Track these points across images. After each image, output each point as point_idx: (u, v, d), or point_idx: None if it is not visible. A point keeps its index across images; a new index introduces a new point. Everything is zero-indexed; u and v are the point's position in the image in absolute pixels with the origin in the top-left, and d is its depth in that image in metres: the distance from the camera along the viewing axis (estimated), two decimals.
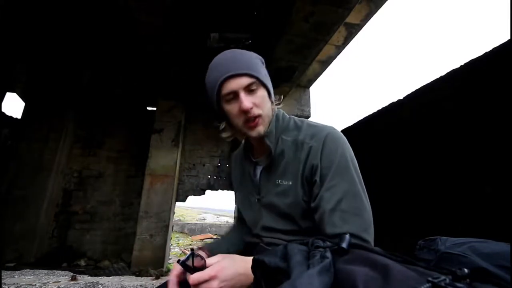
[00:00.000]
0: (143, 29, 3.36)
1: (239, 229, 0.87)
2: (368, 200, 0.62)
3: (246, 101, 0.62)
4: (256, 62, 0.66)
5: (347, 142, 0.66)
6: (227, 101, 0.65)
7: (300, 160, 0.65)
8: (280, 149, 0.69)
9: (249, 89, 0.63)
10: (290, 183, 0.66)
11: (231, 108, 0.65)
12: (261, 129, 0.66)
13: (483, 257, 0.44)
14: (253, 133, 0.66)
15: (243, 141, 0.83)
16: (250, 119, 0.64)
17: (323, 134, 0.65)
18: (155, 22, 3.22)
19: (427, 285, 0.29)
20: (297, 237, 0.67)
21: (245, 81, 0.62)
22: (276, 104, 0.73)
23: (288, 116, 0.75)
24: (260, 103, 0.64)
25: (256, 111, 0.64)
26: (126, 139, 5.27)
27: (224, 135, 0.76)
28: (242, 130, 0.68)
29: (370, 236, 0.58)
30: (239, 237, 0.84)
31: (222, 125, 0.74)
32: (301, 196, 0.64)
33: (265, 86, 0.66)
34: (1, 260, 3.70)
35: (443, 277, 0.30)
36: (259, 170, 0.75)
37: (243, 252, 0.72)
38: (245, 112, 0.63)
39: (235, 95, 0.63)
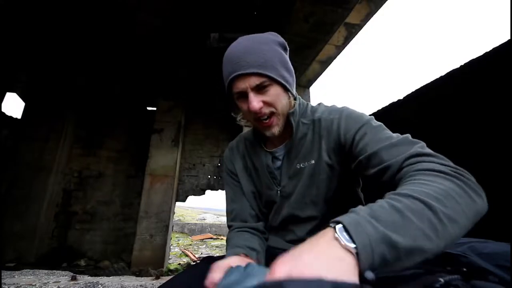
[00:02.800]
0: (143, 29, 3.37)
1: (250, 231, 0.72)
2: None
3: (255, 101, 0.59)
4: (272, 53, 0.61)
5: None
6: (237, 98, 0.63)
7: (321, 135, 0.63)
8: (302, 133, 0.67)
9: (259, 88, 0.59)
10: (313, 161, 0.64)
11: (242, 105, 0.63)
12: (275, 130, 0.63)
13: (483, 257, 0.44)
14: (267, 133, 0.64)
15: (244, 131, 0.79)
16: (262, 118, 0.62)
17: (340, 108, 0.66)
18: (155, 22, 3.23)
19: (441, 282, 0.28)
20: (315, 223, 0.67)
21: (254, 80, 0.58)
22: (294, 96, 0.69)
23: (305, 101, 0.74)
24: (272, 101, 0.60)
25: (266, 110, 0.61)
26: (126, 139, 5.27)
27: (242, 122, 0.74)
28: (255, 125, 0.66)
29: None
30: (258, 241, 0.69)
31: (239, 116, 0.72)
32: (326, 172, 0.63)
33: (279, 83, 0.61)
34: (1, 260, 3.70)
35: (455, 276, 0.29)
36: (278, 160, 0.71)
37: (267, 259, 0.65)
38: (253, 113, 0.60)
39: (244, 94, 0.60)
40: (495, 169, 1.08)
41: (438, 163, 0.47)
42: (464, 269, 0.35)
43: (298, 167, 0.66)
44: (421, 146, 0.51)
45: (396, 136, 0.56)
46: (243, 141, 0.80)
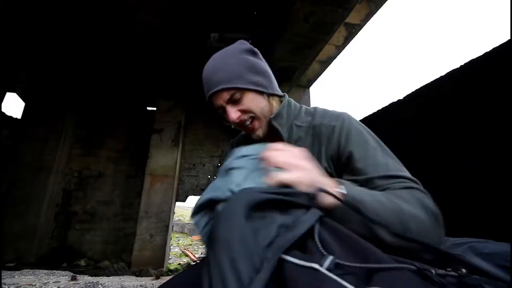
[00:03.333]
0: (143, 29, 3.37)
1: None
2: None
3: (232, 113, 0.64)
4: (237, 64, 0.64)
5: None
6: (221, 113, 0.68)
7: (321, 142, 0.63)
8: (297, 135, 0.67)
9: (232, 100, 0.64)
10: None
11: (226, 117, 0.67)
12: (259, 132, 0.67)
13: (483, 257, 0.44)
14: (253, 136, 0.68)
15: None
16: (244, 125, 0.66)
17: (342, 116, 0.65)
18: (155, 22, 3.23)
19: (413, 267, 0.30)
20: None
21: (225, 95, 0.63)
22: (276, 95, 0.71)
23: (298, 104, 0.74)
24: (248, 108, 0.64)
25: (245, 117, 0.65)
26: (126, 139, 5.27)
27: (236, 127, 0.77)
28: (246, 132, 0.70)
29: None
30: None
31: (232, 125, 0.75)
32: None
33: (249, 89, 0.64)
34: (1, 260, 3.70)
35: (431, 269, 0.31)
36: None
37: None
38: (235, 123, 0.65)
39: (223, 108, 0.65)
40: (495, 169, 1.08)
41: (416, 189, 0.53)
42: (464, 269, 0.35)
43: None
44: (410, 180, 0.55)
45: (391, 162, 0.59)
46: (243, 139, 0.82)
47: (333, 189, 0.43)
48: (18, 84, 4.68)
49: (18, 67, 4.32)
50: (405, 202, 0.47)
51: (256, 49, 0.70)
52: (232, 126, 0.75)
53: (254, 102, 0.65)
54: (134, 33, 3.62)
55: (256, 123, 0.66)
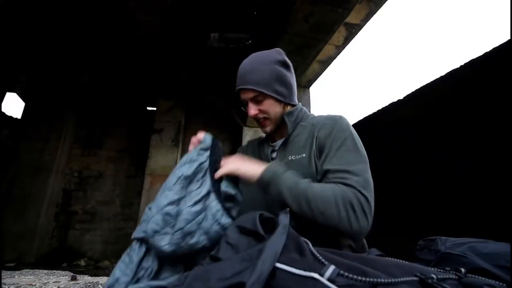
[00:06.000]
0: (143, 29, 3.36)
1: None
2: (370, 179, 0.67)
3: (252, 109, 0.78)
4: (269, 72, 0.77)
5: None
6: (242, 105, 0.83)
7: (314, 135, 0.74)
8: (297, 132, 0.80)
9: (255, 100, 0.78)
10: (304, 155, 0.74)
11: (247, 110, 0.81)
12: (268, 128, 0.81)
13: (483, 257, 0.44)
14: (262, 130, 0.84)
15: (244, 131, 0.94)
16: (259, 121, 0.81)
17: (336, 116, 0.77)
18: (155, 22, 3.22)
19: (414, 278, 0.30)
20: None
21: (251, 94, 0.77)
22: (292, 105, 0.84)
23: (308, 112, 0.88)
24: (266, 109, 0.78)
25: (261, 116, 0.79)
26: (126, 139, 5.27)
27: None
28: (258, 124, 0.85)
29: (369, 195, 0.62)
30: None
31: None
32: (312, 166, 0.71)
33: (271, 96, 0.77)
34: (1, 260, 3.70)
35: (432, 275, 0.30)
36: (275, 152, 0.84)
37: None
38: (252, 117, 0.80)
39: (246, 102, 0.80)
40: (495, 169, 1.08)
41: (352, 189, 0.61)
42: (463, 269, 0.35)
43: (290, 158, 0.76)
44: (360, 182, 0.63)
45: (358, 167, 0.65)
46: (259, 139, 0.97)
47: (258, 167, 0.67)
48: (18, 84, 4.68)
49: (18, 67, 4.32)
50: (322, 188, 0.61)
51: (289, 62, 0.83)
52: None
53: (272, 107, 0.79)
54: (134, 33, 3.61)
55: (267, 122, 0.80)
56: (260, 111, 0.78)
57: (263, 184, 0.64)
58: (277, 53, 0.82)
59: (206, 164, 0.64)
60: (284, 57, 0.82)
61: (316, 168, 0.70)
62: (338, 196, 0.58)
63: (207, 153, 0.66)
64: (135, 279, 0.55)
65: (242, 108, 0.85)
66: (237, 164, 0.67)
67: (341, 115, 0.77)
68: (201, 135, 0.73)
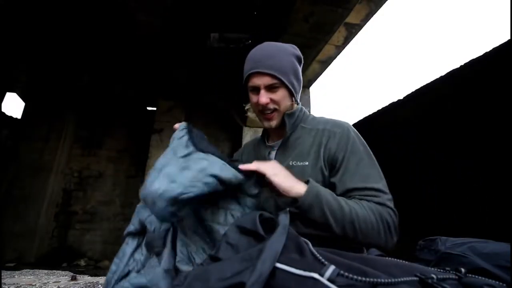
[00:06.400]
0: (143, 29, 3.36)
1: None
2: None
3: (264, 97, 0.71)
4: (288, 62, 0.73)
5: None
6: (250, 90, 0.75)
7: (321, 144, 0.70)
8: (298, 134, 0.76)
9: (270, 87, 0.72)
10: (306, 163, 0.70)
11: (253, 98, 0.75)
12: (273, 123, 0.75)
13: (483, 257, 0.44)
14: (266, 124, 0.76)
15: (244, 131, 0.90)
16: (266, 111, 0.74)
17: (344, 125, 0.74)
18: (155, 22, 3.22)
19: (414, 278, 0.30)
20: None
21: (268, 80, 0.71)
22: (297, 102, 0.80)
23: (308, 112, 0.85)
24: (278, 100, 0.73)
25: (271, 106, 0.73)
26: (126, 139, 5.27)
27: (249, 114, 0.85)
28: (258, 116, 0.79)
29: (395, 209, 0.65)
30: None
31: (248, 106, 0.84)
32: (317, 176, 0.69)
33: (287, 87, 0.73)
34: (1, 260, 3.70)
35: (432, 275, 0.30)
36: (273, 153, 0.80)
37: None
38: (261, 105, 0.72)
39: (257, 89, 0.73)
40: (495, 169, 1.08)
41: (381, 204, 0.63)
42: (463, 269, 0.35)
43: (291, 164, 0.72)
44: (390, 199, 0.66)
45: (373, 173, 0.67)
46: (256, 140, 0.94)
47: (301, 187, 0.59)
48: (18, 84, 4.68)
49: (18, 67, 4.32)
50: (361, 208, 0.59)
51: (302, 58, 0.80)
52: (246, 108, 0.85)
53: (285, 99, 0.74)
54: (134, 33, 3.61)
55: (275, 115, 0.74)
56: (272, 100, 0.72)
57: (303, 206, 0.57)
58: (293, 47, 0.79)
59: (186, 137, 0.62)
60: (299, 53, 0.79)
61: (324, 179, 0.68)
62: (378, 218, 0.59)
63: (184, 131, 0.64)
64: (126, 271, 0.57)
65: (243, 103, 0.80)
66: (276, 171, 0.60)
67: (347, 123, 0.75)
68: (177, 125, 0.68)
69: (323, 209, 0.57)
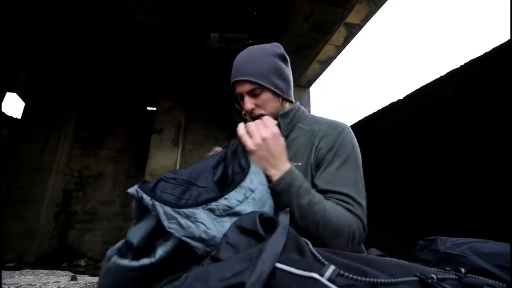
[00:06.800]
0: (143, 29, 3.36)
1: None
2: (365, 199, 0.66)
3: (248, 103, 0.72)
4: (268, 64, 0.72)
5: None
6: (239, 99, 0.76)
7: (313, 144, 0.70)
8: (295, 135, 0.75)
9: (252, 93, 0.72)
10: (300, 163, 0.70)
11: (242, 104, 0.75)
12: None
13: (483, 257, 0.44)
14: None
15: None
16: (254, 116, 0.74)
17: (340, 126, 0.72)
18: (155, 22, 3.22)
19: (414, 278, 0.30)
20: None
21: (248, 87, 0.71)
22: (289, 101, 0.79)
23: (307, 111, 0.83)
24: (262, 104, 0.73)
25: (257, 112, 0.73)
26: (126, 139, 5.27)
27: (248, 118, 0.84)
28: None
29: (366, 223, 0.62)
30: None
31: (243, 111, 0.83)
32: (309, 178, 0.68)
33: (269, 90, 0.72)
34: (1, 260, 3.70)
35: (432, 275, 0.30)
36: None
37: None
38: (248, 112, 0.73)
39: (242, 96, 0.74)
40: (495, 169, 1.08)
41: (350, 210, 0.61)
42: (463, 269, 0.35)
43: None
44: (364, 212, 0.63)
45: (362, 194, 0.64)
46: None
47: (275, 173, 0.60)
48: (18, 84, 4.68)
49: (18, 67, 4.32)
50: (334, 213, 0.58)
51: (287, 56, 0.79)
52: (243, 113, 0.84)
53: (269, 102, 0.73)
54: (134, 33, 3.62)
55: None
56: (257, 105, 0.72)
57: (274, 191, 0.59)
58: (275, 46, 0.78)
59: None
60: (282, 50, 0.78)
61: (312, 179, 0.68)
62: (346, 228, 0.58)
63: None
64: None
65: (236, 105, 0.79)
66: (256, 147, 0.61)
67: (345, 125, 0.73)
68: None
69: (291, 201, 0.58)
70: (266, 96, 0.72)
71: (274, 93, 0.73)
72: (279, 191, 0.59)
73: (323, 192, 0.63)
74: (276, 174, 0.60)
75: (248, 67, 0.71)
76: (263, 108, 0.73)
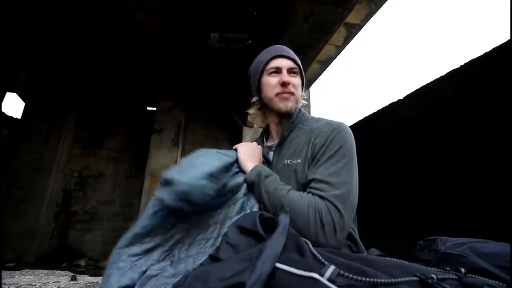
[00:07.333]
0: (143, 29, 3.36)
1: None
2: (357, 195, 0.66)
3: (286, 76, 0.77)
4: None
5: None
6: (269, 74, 0.79)
7: (310, 141, 0.74)
8: (295, 135, 0.79)
9: (291, 71, 0.79)
10: (299, 160, 0.73)
11: (271, 80, 0.78)
12: (290, 104, 0.78)
13: (483, 257, 0.44)
14: (282, 105, 0.78)
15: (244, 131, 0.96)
16: (286, 89, 0.77)
17: (336, 123, 0.75)
18: (155, 22, 3.22)
19: (414, 278, 0.30)
20: None
21: (291, 64, 0.78)
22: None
23: (307, 113, 0.87)
24: (296, 85, 0.79)
25: (292, 89, 0.78)
26: (126, 139, 5.27)
27: (250, 111, 0.88)
28: (272, 101, 0.79)
29: (345, 210, 0.62)
30: None
31: (255, 98, 0.85)
32: (305, 171, 0.71)
33: (302, 77, 0.82)
34: (1, 260, 3.70)
35: (432, 275, 0.30)
36: (271, 153, 0.83)
37: None
38: (284, 84, 0.76)
39: (278, 70, 0.78)
40: (495, 169, 1.08)
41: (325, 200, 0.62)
42: (463, 269, 0.35)
43: (286, 163, 0.76)
44: (338, 196, 0.63)
45: (341, 180, 0.65)
46: (255, 140, 0.95)
47: (246, 168, 0.73)
48: (18, 84, 4.68)
49: (18, 67, 4.32)
50: (298, 196, 0.63)
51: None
52: (252, 101, 0.87)
53: (299, 87, 0.81)
54: (134, 33, 3.62)
55: (292, 98, 0.79)
56: (292, 84, 0.78)
57: (248, 182, 0.70)
58: None
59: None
60: None
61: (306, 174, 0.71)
62: (310, 210, 0.59)
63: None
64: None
65: (253, 92, 0.85)
66: (242, 149, 0.76)
67: (341, 123, 0.75)
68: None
69: (260, 188, 0.67)
70: (298, 80, 0.80)
71: (302, 83, 0.82)
72: (251, 181, 0.69)
73: (309, 181, 0.67)
74: (250, 166, 0.72)
75: (291, 52, 0.80)
76: (295, 88, 0.79)
